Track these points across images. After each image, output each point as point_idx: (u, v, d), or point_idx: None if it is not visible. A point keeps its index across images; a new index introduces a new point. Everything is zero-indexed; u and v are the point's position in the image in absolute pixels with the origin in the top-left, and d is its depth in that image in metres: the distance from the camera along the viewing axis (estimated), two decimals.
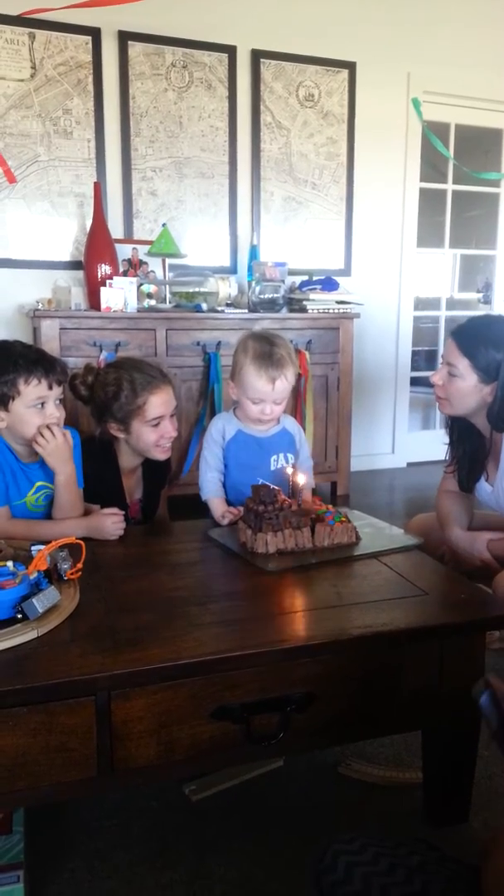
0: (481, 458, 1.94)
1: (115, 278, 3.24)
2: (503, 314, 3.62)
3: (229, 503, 1.94)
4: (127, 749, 1.18)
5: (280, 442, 2.02)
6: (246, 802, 1.53)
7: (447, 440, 2.04)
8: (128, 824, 1.47)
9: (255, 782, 1.58)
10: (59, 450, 1.75)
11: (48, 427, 1.73)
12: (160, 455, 2.00)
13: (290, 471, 1.79)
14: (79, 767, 1.16)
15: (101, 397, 1.96)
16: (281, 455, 2.02)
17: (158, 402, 1.94)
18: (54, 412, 1.74)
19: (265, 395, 1.88)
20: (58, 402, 1.76)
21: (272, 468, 1.98)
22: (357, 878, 0.87)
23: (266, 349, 1.88)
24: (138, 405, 1.92)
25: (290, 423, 2.08)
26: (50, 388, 1.73)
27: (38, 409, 1.72)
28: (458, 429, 1.97)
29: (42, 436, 1.73)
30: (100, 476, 1.94)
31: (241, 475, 1.95)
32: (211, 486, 1.96)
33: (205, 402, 3.34)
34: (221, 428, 1.98)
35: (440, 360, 1.88)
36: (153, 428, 1.95)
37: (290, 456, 2.02)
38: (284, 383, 1.89)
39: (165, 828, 1.46)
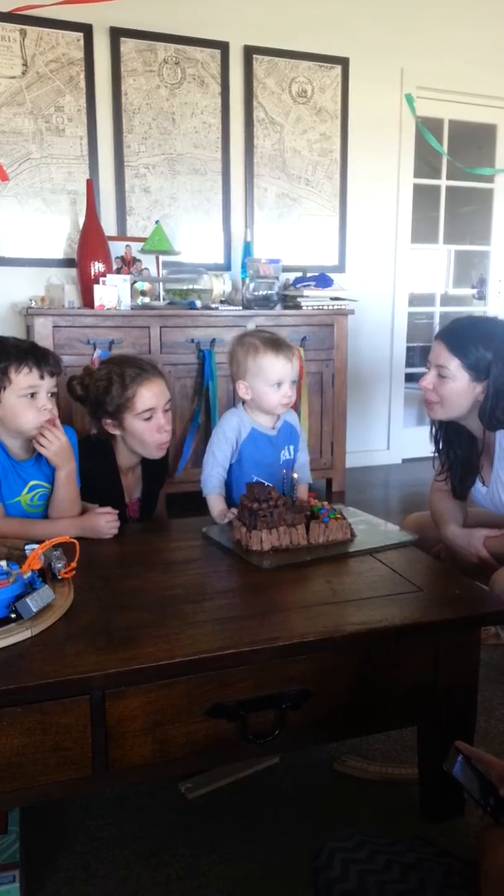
0: (474, 461, 1.91)
1: (109, 276, 3.23)
2: (487, 314, 3.62)
3: (232, 500, 1.94)
4: (122, 748, 1.18)
5: (285, 435, 2.04)
6: (242, 800, 1.53)
7: (433, 449, 2.01)
8: (123, 823, 1.46)
9: (250, 780, 1.58)
10: (64, 448, 1.76)
11: (50, 428, 1.73)
12: (156, 452, 2.00)
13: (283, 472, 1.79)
14: (74, 767, 1.16)
15: (93, 393, 1.96)
16: (288, 448, 2.03)
17: (149, 395, 1.94)
18: (46, 403, 1.73)
19: (284, 374, 1.92)
20: (50, 395, 1.75)
21: (281, 462, 1.99)
22: (353, 876, 0.87)
23: (271, 336, 1.97)
24: (128, 397, 1.92)
25: (288, 414, 2.08)
26: (41, 377, 1.71)
27: (28, 399, 1.70)
28: (445, 435, 1.95)
29: (44, 436, 1.73)
30: (98, 475, 1.93)
31: (255, 473, 1.93)
32: (214, 482, 1.95)
33: (199, 399, 3.34)
34: (237, 427, 1.97)
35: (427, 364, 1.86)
36: (145, 421, 1.94)
37: (291, 448, 2.03)
38: (297, 363, 1.97)
39: (161, 826, 1.46)
